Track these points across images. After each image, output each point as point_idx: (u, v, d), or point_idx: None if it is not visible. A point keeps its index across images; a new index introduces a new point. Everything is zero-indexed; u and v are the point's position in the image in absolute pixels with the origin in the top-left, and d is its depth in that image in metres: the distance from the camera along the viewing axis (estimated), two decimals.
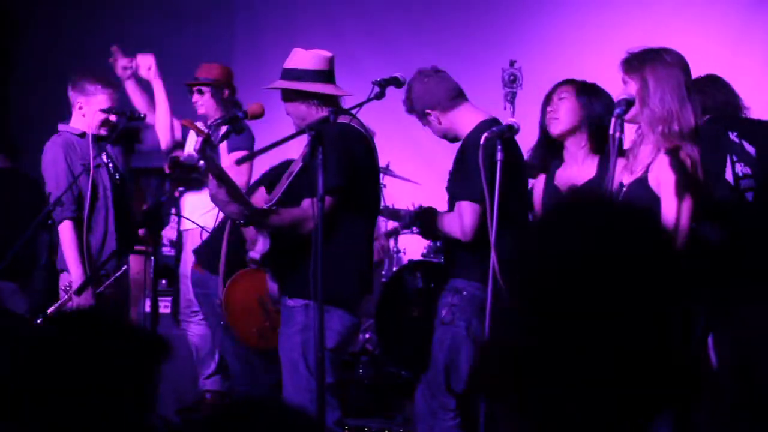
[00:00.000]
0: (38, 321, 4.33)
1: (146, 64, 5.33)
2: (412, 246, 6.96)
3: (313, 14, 8.33)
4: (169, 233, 6.82)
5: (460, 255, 4.30)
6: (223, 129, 4.20)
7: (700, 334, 3.78)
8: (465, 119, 4.36)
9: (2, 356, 1.79)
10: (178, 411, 5.66)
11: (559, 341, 1.27)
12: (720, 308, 3.90)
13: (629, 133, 3.91)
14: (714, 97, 4.55)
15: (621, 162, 3.70)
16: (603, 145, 4.11)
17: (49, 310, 4.63)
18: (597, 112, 4.20)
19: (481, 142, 3.99)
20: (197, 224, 5.74)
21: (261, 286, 4.51)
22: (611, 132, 3.49)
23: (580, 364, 1.26)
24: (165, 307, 6.01)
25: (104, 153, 5.02)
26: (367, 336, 6.90)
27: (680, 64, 3.70)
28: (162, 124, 5.31)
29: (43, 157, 5.01)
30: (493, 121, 4.29)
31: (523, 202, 4.36)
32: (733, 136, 4.39)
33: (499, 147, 3.95)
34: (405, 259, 6.93)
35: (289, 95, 4.25)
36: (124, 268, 4.97)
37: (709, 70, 4.72)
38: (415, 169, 7.12)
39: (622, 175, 3.74)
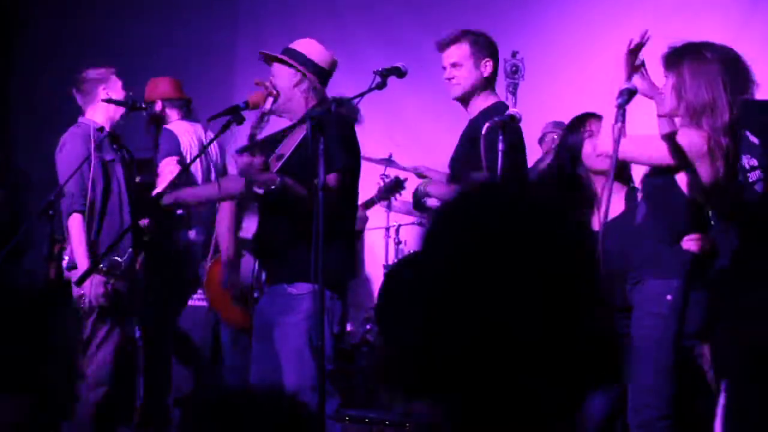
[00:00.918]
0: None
1: None
2: (413, 237, 6.97)
3: (316, 3, 8.31)
4: None
5: None
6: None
7: (695, 329, 3.77)
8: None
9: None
10: (176, 400, 5.65)
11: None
12: (726, 303, 3.89)
13: (633, 124, 3.90)
14: None
15: None
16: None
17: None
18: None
19: (483, 132, 3.99)
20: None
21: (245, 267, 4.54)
22: (613, 122, 3.50)
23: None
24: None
25: (122, 148, 5.03)
26: (367, 327, 6.91)
27: (721, 59, 3.68)
28: None
29: (60, 148, 4.93)
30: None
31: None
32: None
33: (500, 137, 3.95)
34: (406, 251, 6.95)
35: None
36: (126, 260, 4.94)
37: None
38: (416, 160, 7.11)
39: None
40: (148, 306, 5.24)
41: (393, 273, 1.40)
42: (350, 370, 6.42)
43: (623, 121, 3.59)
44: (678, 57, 3.70)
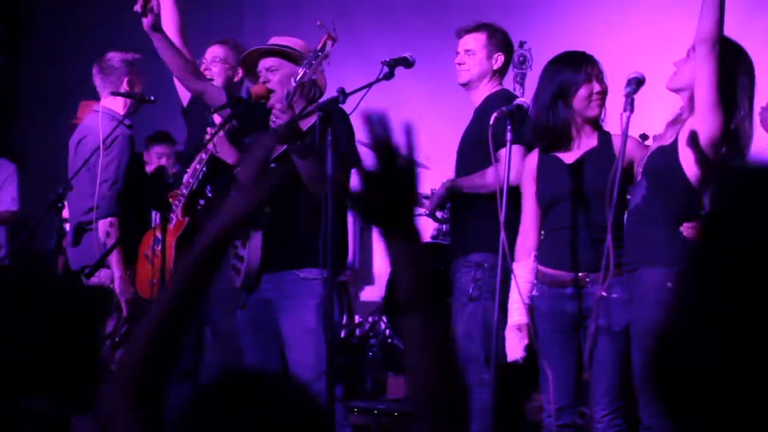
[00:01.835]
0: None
1: None
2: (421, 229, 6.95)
3: None
4: None
5: (476, 228, 4.27)
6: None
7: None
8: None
9: None
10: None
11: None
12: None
13: (639, 116, 3.88)
14: None
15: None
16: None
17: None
18: None
19: (491, 122, 3.97)
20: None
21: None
22: (621, 111, 3.48)
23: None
24: None
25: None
26: (375, 318, 6.90)
27: (737, 52, 3.67)
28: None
29: (114, 144, 4.82)
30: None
31: None
32: None
33: (508, 127, 3.92)
34: None
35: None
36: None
37: None
38: (422, 153, 7.10)
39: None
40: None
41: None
42: (358, 361, 6.42)
43: (631, 110, 3.58)
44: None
